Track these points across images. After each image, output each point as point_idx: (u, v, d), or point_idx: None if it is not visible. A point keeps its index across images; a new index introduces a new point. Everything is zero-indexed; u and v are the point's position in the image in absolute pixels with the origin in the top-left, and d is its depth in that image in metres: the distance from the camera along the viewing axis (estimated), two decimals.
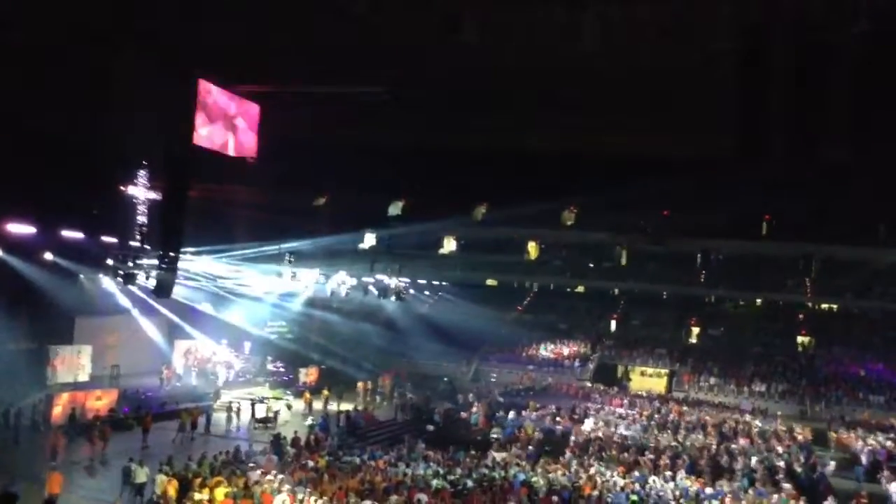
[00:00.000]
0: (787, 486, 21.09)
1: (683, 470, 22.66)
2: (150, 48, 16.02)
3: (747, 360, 44.00)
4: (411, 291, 46.18)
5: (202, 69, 18.48)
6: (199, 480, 16.97)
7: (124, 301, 31.36)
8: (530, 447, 25.97)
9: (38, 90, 17.44)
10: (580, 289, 53.55)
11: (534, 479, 20.37)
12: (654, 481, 20.92)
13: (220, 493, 16.28)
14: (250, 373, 37.44)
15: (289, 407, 31.00)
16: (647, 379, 44.89)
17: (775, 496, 19.86)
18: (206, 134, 19.33)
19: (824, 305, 48.40)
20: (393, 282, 40.52)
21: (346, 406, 32.20)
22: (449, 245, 35.70)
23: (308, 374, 37.89)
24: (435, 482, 18.94)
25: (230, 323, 37.70)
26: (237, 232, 31.32)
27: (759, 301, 49.95)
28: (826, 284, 39.75)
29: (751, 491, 20.50)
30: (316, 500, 16.41)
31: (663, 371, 44.85)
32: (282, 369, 38.27)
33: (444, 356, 45.53)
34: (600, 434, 27.76)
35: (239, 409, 28.87)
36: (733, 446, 26.62)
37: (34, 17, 14.34)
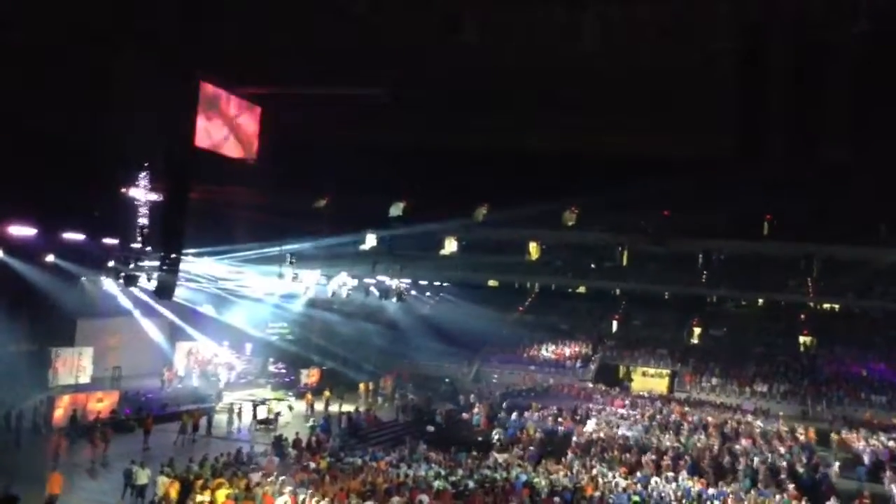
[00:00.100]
0: (789, 486, 21.08)
1: (685, 471, 22.64)
2: (150, 49, 16.04)
3: (749, 360, 43.88)
4: (412, 292, 46.15)
5: (203, 70, 18.50)
6: (200, 482, 16.96)
7: (125, 303, 31.32)
8: (532, 448, 25.95)
9: (38, 90, 17.43)
10: (581, 289, 53.43)
11: (536, 480, 20.35)
12: (656, 482, 20.90)
13: (221, 494, 16.28)
14: (252, 374, 37.43)
15: (290, 408, 31.00)
16: (649, 379, 44.78)
17: (777, 497, 19.84)
18: (207, 135, 19.36)
19: (826, 305, 48.25)
20: (394, 283, 40.53)
21: (348, 407, 32.20)
22: (450, 246, 35.72)
23: (309, 376, 37.89)
24: (436, 483, 18.93)
25: (231, 324, 37.69)
26: (238, 233, 31.29)
27: (760, 301, 49.83)
28: (827, 284, 39.63)
29: (753, 491, 20.47)
30: (317, 502, 16.38)
31: (665, 371, 44.75)
32: (283, 371, 38.24)
33: (446, 357, 45.46)
34: (602, 435, 27.71)
35: (240, 411, 28.87)
36: (736, 447, 26.58)
37: (34, 17, 14.34)
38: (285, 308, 40.25)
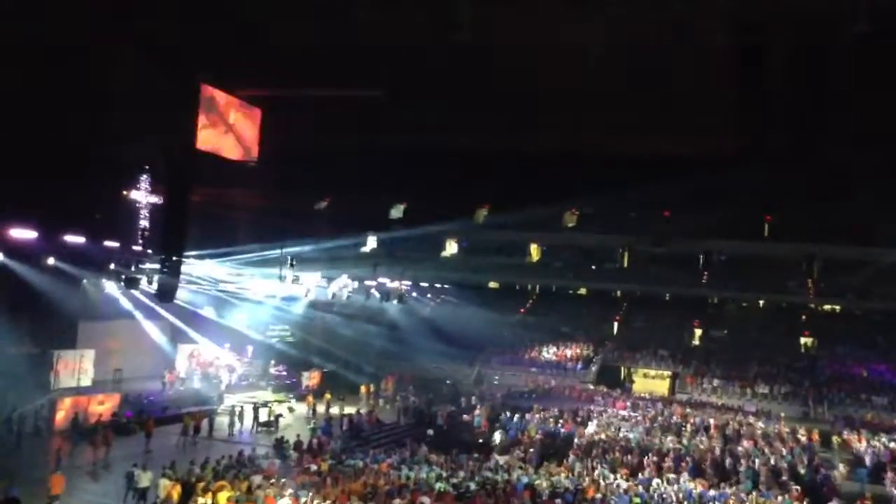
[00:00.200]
0: (793, 488, 21.04)
1: (687, 472, 22.60)
2: (150, 50, 16.04)
3: (750, 361, 43.85)
4: (413, 294, 46.15)
5: (204, 72, 18.50)
6: (202, 485, 16.98)
7: (127, 305, 31.36)
8: (533, 450, 25.91)
9: (39, 90, 17.42)
10: (582, 291, 53.40)
11: (537, 482, 20.32)
12: (657, 484, 20.87)
13: (223, 497, 16.28)
14: (253, 377, 37.45)
15: (291, 410, 31.01)
16: (650, 381, 44.74)
17: (779, 498, 19.81)
18: (207, 137, 19.33)
19: (827, 306, 48.22)
20: (395, 285, 40.52)
21: (349, 409, 32.18)
22: (451, 248, 35.66)
23: (311, 378, 37.91)
24: (438, 485, 18.92)
25: (233, 327, 37.71)
26: (239, 236, 31.31)
27: (761, 302, 49.81)
28: (828, 285, 39.60)
29: (754, 493, 20.43)
30: None
31: (666, 373, 44.70)
32: (284, 373, 38.28)
33: (447, 359, 45.41)
34: (604, 437, 27.68)
35: (242, 413, 28.87)
36: (737, 448, 26.53)
37: (34, 17, 14.35)
38: (286, 310, 40.29)
